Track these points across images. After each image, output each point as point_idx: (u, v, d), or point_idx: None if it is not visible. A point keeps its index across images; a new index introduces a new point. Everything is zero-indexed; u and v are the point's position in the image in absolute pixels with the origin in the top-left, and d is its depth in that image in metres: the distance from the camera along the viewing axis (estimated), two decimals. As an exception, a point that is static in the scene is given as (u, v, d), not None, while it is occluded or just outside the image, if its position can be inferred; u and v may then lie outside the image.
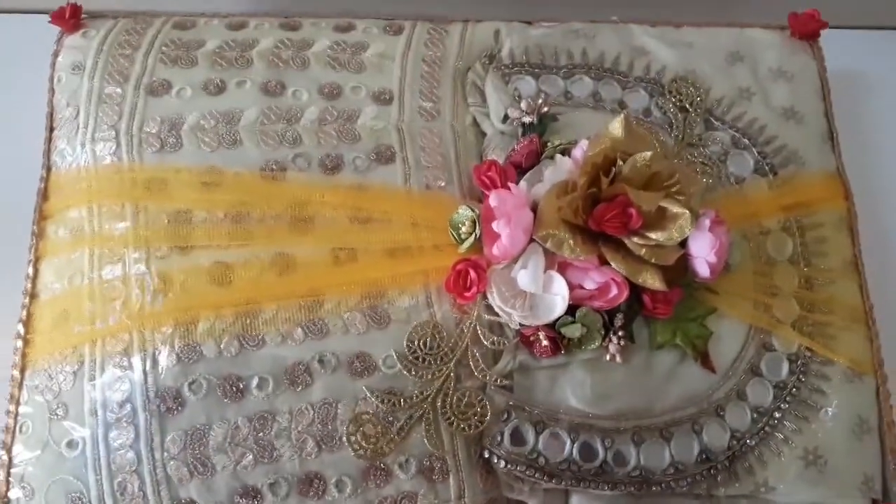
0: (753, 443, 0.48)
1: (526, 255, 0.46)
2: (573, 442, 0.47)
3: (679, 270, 0.47)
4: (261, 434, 0.45)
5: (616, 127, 0.46)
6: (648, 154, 0.46)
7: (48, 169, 0.53)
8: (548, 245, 0.45)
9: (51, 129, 0.54)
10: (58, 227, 0.51)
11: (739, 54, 0.58)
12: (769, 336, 0.50)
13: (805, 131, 0.56)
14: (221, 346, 0.46)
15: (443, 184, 0.51)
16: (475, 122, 0.54)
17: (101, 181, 0.51)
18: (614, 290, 0.46)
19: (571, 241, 0.45)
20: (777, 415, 0.49)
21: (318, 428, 0.46)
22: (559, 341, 0.47)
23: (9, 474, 0.47)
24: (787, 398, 0.49)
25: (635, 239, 0.46)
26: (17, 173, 0.55)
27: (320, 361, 0.47)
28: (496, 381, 0.47)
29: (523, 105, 0.52)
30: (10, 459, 0.47)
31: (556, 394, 0.48)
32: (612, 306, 0.46)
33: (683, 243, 0.47)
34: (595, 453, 0.47)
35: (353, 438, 0.45)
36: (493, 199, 0.46)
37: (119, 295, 0.48)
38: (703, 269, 0.46)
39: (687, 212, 0.45)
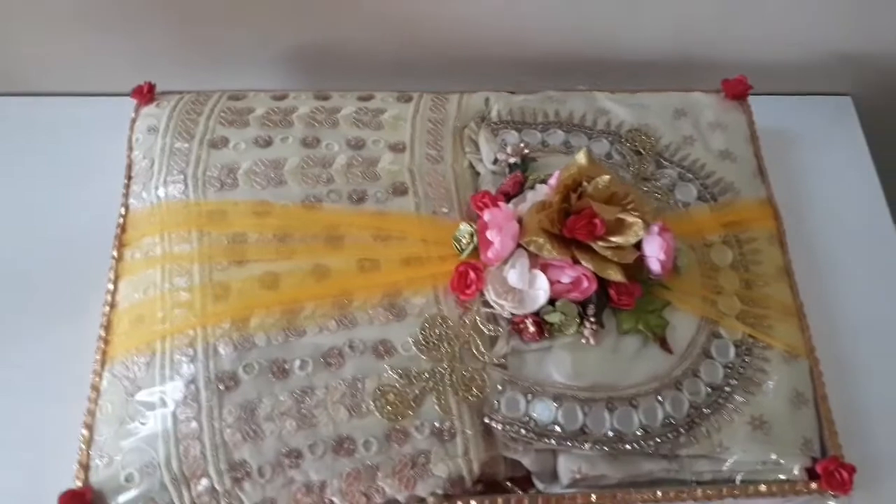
0: (709, 412, 0.58)
1: (514, 258, 0.58)
2: (557, 408, 0.57)
3: (637, 269, 0.59)
4: (301, 405, 0.55)
5: (581, 157, 0.59)
6: (607, 177, 0.59)
7: (126, 208, 0.66)
8: (531, 249, 0.57)
9: (129, 178, 0.67)
10: (133, 252, 0.63)
11: (683, 111, 0.72)
12: (717, 326, 0.61)
13: (738, 168, 0.69)
14: (270, 337, 0.57)
15: (446, 210, 0.64)
16: (471, 166, 0.68)
17: (171, 214, 0.63)
18: (585, 283, 0.57)
19: (549, 245, 0.57)
20: (727, 389, 0.59)
21: (349, 399, 0.56)
22: (543, 327, 0.58)
23: (89, 447, 0.56)
24: (735, 376, 0.60)
25: (600, 243, 0.58)
26: (97, 222, 0.67)
27: (350, 346, 0.57)
28: (493, 361, 0.58)
29: (509, 150, 0.66)
30: (91, 435, 0.56)
31: (542, 371, 0.58)
32: (585, 297, 0.58)
33: (639, 247, 0.59)
34: (576, 418, 0.56)
35: (378, 404, 0.55)
36: (486, 215, 0.59)
37: (186, 301, 0.59)
38: (655, 266, 0.58)
39: (640, 220, 0.58)
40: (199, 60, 0.78)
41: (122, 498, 0.54)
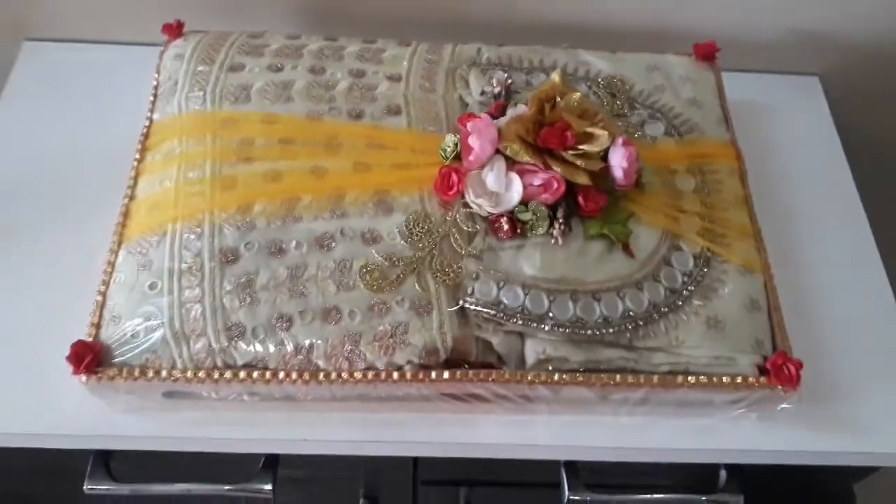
0: (666, 310, 0.64)
1: (492, 161, 0.65)
2: (525, 295, 0.62)
3: (603, 179, 0.65)
4: (294, 278, 0.61)
5: (555, 76, 0.67)
6: (578, 94, 0.66)
7: (150, 121, 0.73)
8: (508, 153, 0.64)
9: (154, 97, 0.75)
10: (154, 155, 0.70)
11: (656, 66, 0.80)
12: (678, 240, 0.67)
13: (704, 113, 0.76)
14: (269, 221, 0.64)
15: (434, 130, 0.71)
16: (461, 99, 0.75)
17: (190, 121, 0.70)
18: (555, 184, 0.64)
19: (524, 151, 0.64)
20: (685, 293, 0.65)
21: (338, 275, 0.62)
22: (516, 225, 0.64)
23: (102, 308, 0.62)
24: (693, 284, 0.65)
25: (570, 151, 0.64)
26: (126, 141, 0.74)
27: (341, 233, 0.64)
28: (470, 253, 0.64)
29: (494, 81, 0.73)
30: (105, 299, 0.62)
31: (514, 265, 0.64)
32: (555, 199, 0.64)
33: (606, 159, 0.65)
34: (542, 304, 0.62)
35: (364, 277, 0.61)
36: (469, 124, 0.66)
37: (198, 191, 0.66)
38: (619, 174, 0.65)
39: (605, 132, 0.65)
40: (223, 7, 0.87)
41: (128, 350, 0.60)
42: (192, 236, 0.63)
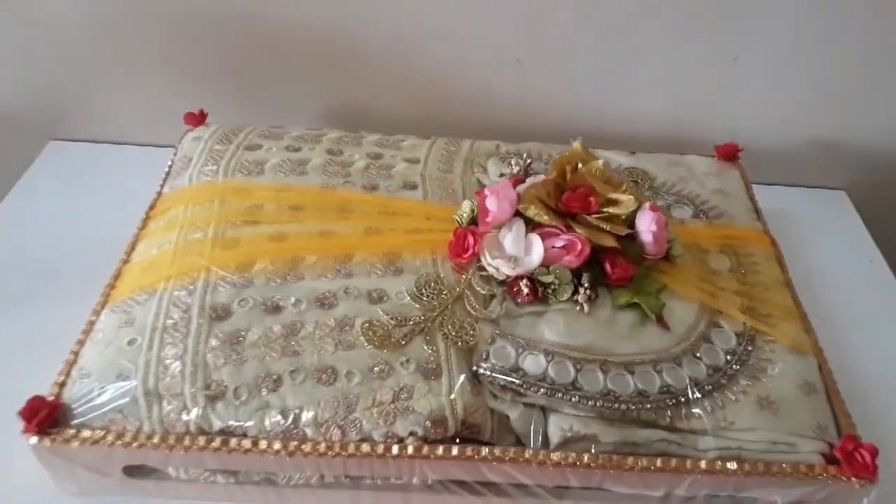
0: (710, 388, 0.55)
1: (510, 223, 0.60)
2: (549, 363, 0.55)
3: (631, 247, 0.60)
4: (289, 336, 0.55)
5: (576, 144, 0.65)
6: (601, 161, 0.63)
7: (159, 194, 0.71)
8: (527, 214, 0.60)
9: (167, 174, 0.74)
10: (158, 222, 0.67)
11: (678, 162, 0.78)
12: (717, 317, 0.60)
13: (733, 202, 0.73)
14: (269, 278, 0.59)
15: (451, 203, 0.68)
16: (479, 181, 0.73)
17: (198, 190, 0.68)
18: (579, 245, 0.59)
19: (544, 212, 0.60)
20: (730, 373, 0.57)
21: (337, 333, 0.55)
22: (537, 289, 0.58)
23: (72, 365, 0.55)
24: (738, 362, 0.57)
25: (594, 216, 0.60)
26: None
27: (345, 291, 0.58)
28: (486, 317, 0.57)
29: (513, 161, 0.71)
30: (77, 358, 0.56)
31: (535, 331, 0.57)
32: (580, 262, 0.59)
33: (632, 227, 0.61)
34: (568, 372, 0.54)
35: (366, 333, 0.54)
36: (487, 190, 0.62)
37: (197, 250, 0.62)
38: (648, 239, 0.60)
39: (631, 196, 0.61)
40: (245, 113, 0.88)
41: (91, 410, 0.52)
42: (184, 293, 0.58)
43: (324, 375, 0.53)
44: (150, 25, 0.82)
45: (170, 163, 0.75)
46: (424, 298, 0.58)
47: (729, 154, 0.80)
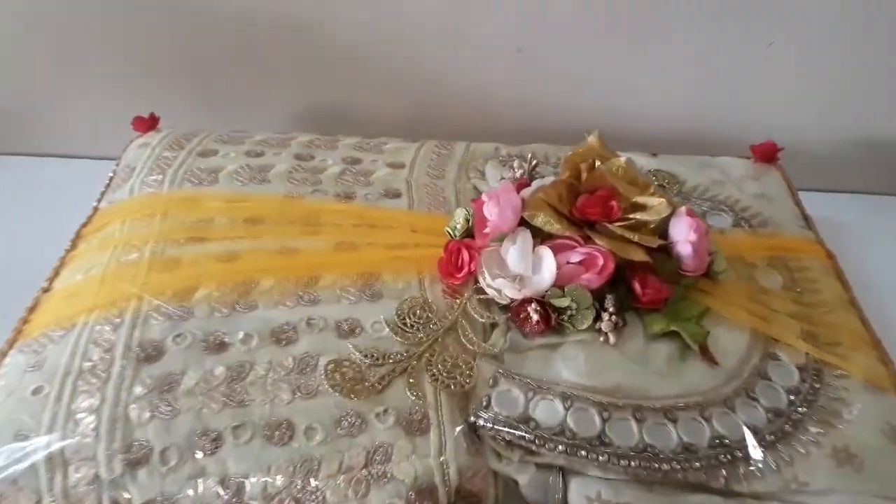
0: (772, 438, 0.43)
1: (514, 235, 0.49)
2: (567, 410, 0.43)
3: (665, 263, 0.49)
4: (234, 380, 0.43)
5: (593, 139, 0.53)
6: (623, 159, 0.52)
7: (95, 210, 0.60)
8: (535, 223, 0.48)
9: (107, 186, 0.62)
10: (91, 241, 0.56)
11: (710, 164, 0.67)
12: (774, 347, 0.48)
13: (778, 208, 0.61)
14: (213, 307, 0.47)
15: (441, 213, 0.56)
16: (475, 188, 0.61)
17: (139, 203, 0.57)
18: (601, 260, 0.47)
19: (555, 220, 0.48)
20: (795, 417, 0.45)
21: (296, 377, 0.43)
22: (550, 316, 0.46)
23: (-39, 423, 0.43)
24: (804, 405, 0.45)
25: (618, 224, 0.49)
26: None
27: (308, 323, 0.46)
28: (486, 352, 0.45)
29: (516, 164, 0.60)
30: (-32, 412, 0.44)
31: (549, 370, 0.45)
32: (602, 282, 0.47)
33: (664, 237, 0.49)
34: (592, 423, 0.42)
35: (332, 376, 0.42)
36: (484, 195, 0.51)
37: (129, 274, 0.50)
38: (686, 251, 0.48)
39: (664, 199, 0.49)
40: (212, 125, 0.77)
41: (-25, 480, 0.40)
42: (108, 328, 0.46)
43: (276, 432, 0.41)
44: (96, 25, 0.71)
45: (111, 174, 0.64)
46: (408, 330, 0.46)
47: (767, 154, 0.68)
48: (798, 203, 0.64)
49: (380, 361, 0.44)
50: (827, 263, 0.57)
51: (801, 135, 0.76)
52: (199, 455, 0.40)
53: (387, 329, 0.46)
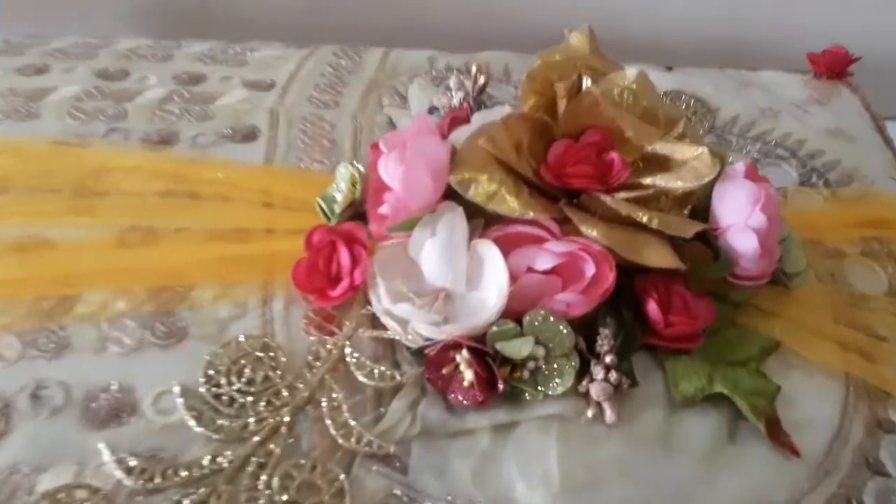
0: None
1: (435, 216, 0.26)
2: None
3: (707, 260, 0.27)
4: None
5: (579, 37, 0.30)
6: (634, 73, 0.29)
7: None
8: (470, 194, 0.26)
9: None
10: None
11: (751, 82, 0.45)
12: (883, 403, 0.27)
13: (862, 151, 0.41)
14: None
15: (319, 167, 0.33)
16: (390, 121, 0.39)
17: None
18: (589, 268, 0.25)
19: (509, 189, 0.26)
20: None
21: (-19, 522, 0.22)
22: (495, 373, 0.25)
23: None
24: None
25: (622, 194, 0.26)
26: None
27: (34, 396, 0.24)
28: (373, 447, 0.24)
29: (452, 82, 0.37)
30: None
31: (491, 479, 0.24)
32: (593, 303, 0.25)
33: (703, 216, 0.27)
34: None
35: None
36: (381, 141, 0.28)
37: None
38: (745, 242, 0.26)
39: (704, 149, 0.27)
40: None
41: None
42: None
43: None
44: None
45: None
46: (224, 408, 0.24)
47: (836, 66, 0.47)
48: (889, 142, 0.42)
49: (158, 482, 0.22)
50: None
51: (878, 42, 0.52)
52: None
53: (182, 410, 0.24)
